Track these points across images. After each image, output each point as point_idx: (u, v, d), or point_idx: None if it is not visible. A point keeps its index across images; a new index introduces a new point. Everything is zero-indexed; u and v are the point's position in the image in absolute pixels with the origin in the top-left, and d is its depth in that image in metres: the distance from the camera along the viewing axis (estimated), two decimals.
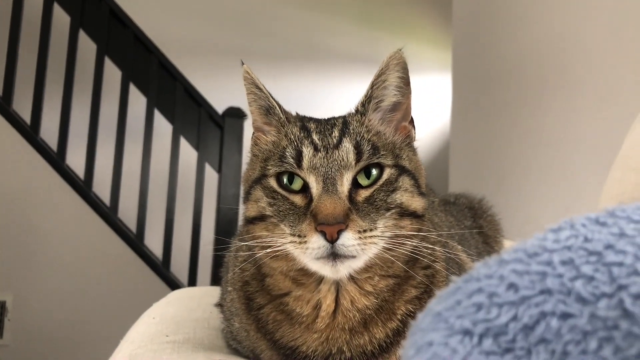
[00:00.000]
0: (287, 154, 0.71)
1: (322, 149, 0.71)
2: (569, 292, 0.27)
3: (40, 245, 3.34)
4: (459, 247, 0.99)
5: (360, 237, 0.66)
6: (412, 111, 0.79)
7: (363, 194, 0.70)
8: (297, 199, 0.71)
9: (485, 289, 0.29)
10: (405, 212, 0.71)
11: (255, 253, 0.74)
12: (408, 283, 0.75)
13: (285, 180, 0.72)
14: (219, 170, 3.48)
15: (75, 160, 3.39)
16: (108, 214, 3.40)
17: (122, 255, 3.46)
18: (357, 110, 0.77)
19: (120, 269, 3.50)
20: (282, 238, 0.69)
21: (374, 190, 0.70)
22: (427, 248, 0.73)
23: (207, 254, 3.65)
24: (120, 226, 3.45)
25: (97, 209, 3.40)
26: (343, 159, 0.70)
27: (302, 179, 0.70)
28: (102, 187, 3.43)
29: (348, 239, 0.65)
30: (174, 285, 3.57)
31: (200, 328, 0.96)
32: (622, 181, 1.53)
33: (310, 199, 0.69)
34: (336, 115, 0.80)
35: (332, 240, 0.65)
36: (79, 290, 3.41)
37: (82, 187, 3.35)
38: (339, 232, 0.65)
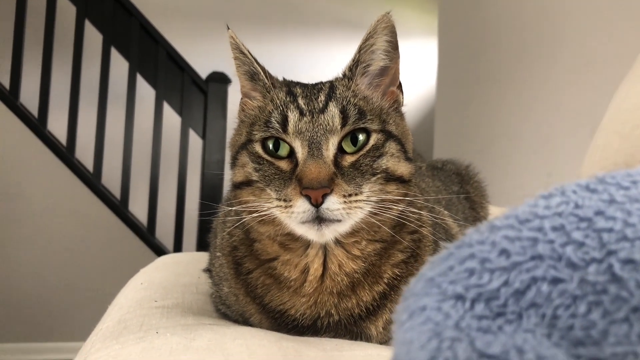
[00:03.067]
0: (272, 119, 0.71)
1: (307, 114, 0.70)
2: (560, 258, 0.28)
3: (24, 212, 3.32)
4: (446, 212, 1.00)
5: (345, 202, 0.66)
6: (400, 76, 0.79)
7: (349, 159, 0.70)
8: (283, 164, 0.71)
9: (477, 255, 0.29)
10: (391, 177, 0.72)
11: (243, 218, 0.74)
12: (395, 247, 0.76)
13: (270, 145, 0.71)
14: (203, 136, 3.45)
15: (57, 126, 3.34)
16: (91, 180, 3.37)
17: (107, 221, 3.45)
18: (344, 75, 0.77)
19: (105, 235, 3.49)
20: (269, 203, 0.69)
21: (360, 156, 0.70)
22: (413, 213, 0.74)
23: (192, 220, 3.65)
24: (104, 192, 3.42)
25: (81, 176, 3.37)
26: (329, 124, 0.70)
27: (288, 143, 0.70)
28: (84, 154, 3.39)
29: (333, 203, 0.66)
30: (159, 251, 3.57)
31: (189, 293, 0.97)
32: (606, 147, 1.54)
33: (295, 164, 0.69)
34: (322, 79, 0.79)
35: (317, 205, 0.65)
36: (63, 256, 3.40)
37: (65, 153, 3.32)
38: (324, 196, 0.65)
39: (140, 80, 3.38)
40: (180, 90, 3.42)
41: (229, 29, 0.77)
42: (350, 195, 0.67)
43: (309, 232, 0.68)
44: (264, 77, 0.77)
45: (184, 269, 1.18)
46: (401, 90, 0.79)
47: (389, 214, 0.71)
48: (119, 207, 3.45)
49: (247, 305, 0.79)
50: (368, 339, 0.76)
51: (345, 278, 0.74)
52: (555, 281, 0.27)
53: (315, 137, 0.68)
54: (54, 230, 3.37)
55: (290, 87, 0.76)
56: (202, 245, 3.38)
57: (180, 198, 3.50)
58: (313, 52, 4.65)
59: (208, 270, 0.96)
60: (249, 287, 0.78)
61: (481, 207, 1.22)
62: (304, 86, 0.76)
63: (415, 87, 4.56)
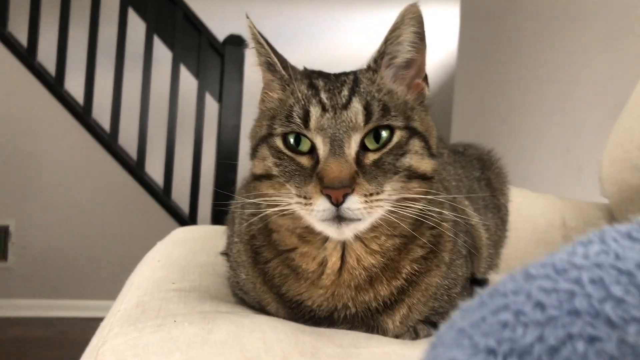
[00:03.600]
0: (294, 113, 0.69)
1: (330, 109, 0.68)
2: (597, 314, 0.27)
3: (41, 172, 3.35)
4: (466, 202, 0.99)
5: (366, 201, 0.65)
6: (425, 67, 0.77)
7: (371, 156, 0.68)
8: (304, 160, 0.69)
9: (511, 306, 0.28)
10: (414, 175, 0.70)
11: (263, 210, 0.74)
12: (414, 242, 0.75)
13: (291, 140, 0.70)
14: (220, 100, 3.43)
15: (74, 86, 3.33)
16: (108, 141, 3.39)
17: (123, 183, 3.48)
18: (368, 67, 0.74)
19: (121, 197, 3.52)
20: (289, 198, 0.69)
21: (383, 154, 0.69)
22: (434, 211, 0.73)
23: (208, 184, 3.67)
24: (120, 154, 3.44)
25: (97, 137, 3.38)
26: (352, 120, 0.68)
27: (309, 139, 0.69)
28: (101, 115, 3.39)
29: (354, 203, 0.65)
30: (175, 214, 3.61)
31: (206, 275, 0.97)
32: (631, 130, 1.51)
33: (317, 160, 0.68)
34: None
35: (337, 204, 0.64)
36: (80, 216, 3.45)
37: (81, 113, 3.32)
38: (345, 196, 0.64)
39: (157, 42, 3.35)
40: (197, 53, 3.39)
41: (248, 17, 0.75)
42: (371, 194, 0.66)
43: (328, 230, 0.68)
44: (281, 69, 0.75)
45: (200, 245, 1.18)
46: (427, 83, 0.77)
47: (409, 212, 0.70)
48: (135, 168, 3.48)
49: (264, 294, 0.79)
50: (384, 332, 0.76)
51: (363, 272, 0.74)
52: (592, 340, 0.26)
53: (337, 134, 0.67)
54: (70, 190, 3.41)
55: (311, 78, 0.74)
56: (218, 214, 3.42)
57: (196, 161, 3.52)
58: (333, 15, 4.55)
59: (226, 254, 0.96)
60: (266, 277, 0.78)
61: (502, 194, 1.20)
62: (326, 78, 0.74)
63: (435, 53, 4.47)
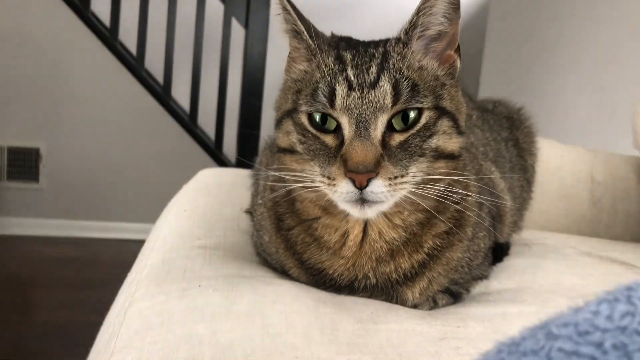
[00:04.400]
0: (319, 91, 0.67)
1: (357, 88, 0.66)
2: None
3: (70, 95, 3.37)
4: (493, 168, 0.98)
5: (390, 184, 0.65)
6: (458, 38, 0.73)
7: (397, 138, 0.67)
8: (329, 139, 0.68)
9: None
10: (440, 155, 0.69)
11: (287, 183, 0.73)
12: (437, 218, 0.74)
13: (317, 118, 0.68)
14: (246, 26, 3.36)
15: (101, 7, 3.29)
16: (134, 65, 3.37)
17: (149, 107, 3.49)
18: (399, 39, 0.71)
19: (147, 121, 3.55)
20: (312, 175, 0.68)
21: (410, 135, 0.67)
22: (457, 189, 0.72)
23: (233, 111, 3.67)
24: (147, 78, 3.44)
25: (124, 60, 3.37)
26: (379, 101, 0.65)
27: (335, 119, 0.67)
28: (128, 38, 3.36)
29: (377, 187, 0.64)
30: (200, 140, 3.63)
31: (231, 231, 0.99)
32: None
33: (342, 141, 0.66)
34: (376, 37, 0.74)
35: (361, 187, 0.64)
36: (107, 140, 3.50)
37: (108, 36, 3.29)
38: (369, 180, 0.63)
39: None
40: None
41: None
42: (395, 177, 0.65)
43: (351, 210, 0.68)
44: (307, 37, 0.71)
45: (226, 195, 1.19)
46: (459, 54, 0.73)
47: (432, 192, 0.69)
48: (161, 93, 3.48)
49: (286, 259, 0.80)
50: (403, 302, 0.77)
51: (384, 245, 0.74)
52: None
53: (363, 115, 0.65)
54: (98, 114, 3.44)
55: (339, 49, 0.71)
56: (243, 143, 3.44)
57: (222, 87, 3.50)
58: None
59: (249, 212, 0.97)
60: (289, 243, 0.79)
61: (529, 155, 1.18)
62: (354, 49, 0.70)
63: None
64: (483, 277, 0.89)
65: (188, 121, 3.62)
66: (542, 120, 2.98)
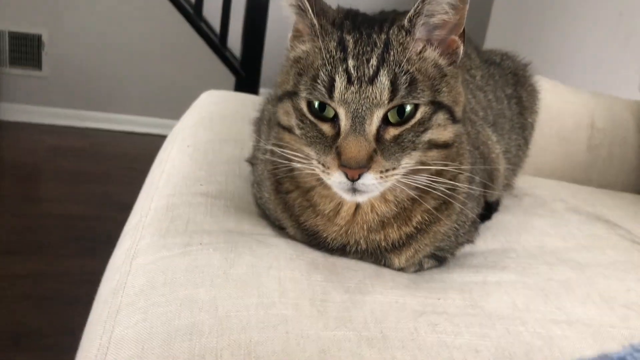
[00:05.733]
0: (319, 80, 0.67)
1: (355, 82, 0.66)
2: None
3: None
4: (490, 132, 0.99)
5: (381, 177, 0.67)
6: (464, 22, 0.72)
7: (392, 131, 0.68)
8: (326, 128, 0.69)
9: None
10: (433, 146, 0.71)
11: (287, 155, 0.75)
12: (429, 194, 0.77)
13: (316, 105, 0.69)
14: None
15: None
16: None
17: None
18: (402, 26, 0.69)
19: (152, 12, 3.47)
20: (309, 157, 0.71)
21: (404, 130, 0.68)
22: (448, 174, 0.75)
23: (239, 4, 3.58)
24: None
25: None
26: (376, 97, 0.66)
27: (333, 108, 0.68)
28: None
29: (369, 179, 0.67)
30: (204, 34, 3.55)
31: (232, 176, 1.02)
32: None
33: (338, 131, 0.68)
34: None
35: (353, 180, 0.67)
36: (112, 30, 3.44)
37: None
38: (361, 174, 0.66)
39: None
40: None
41: None
42: (387, 170, 0.67)
43: (343, 195, 0.71)
44: (313, 16, 0.70)
45: (227, 130, 1.21)
46: (463, 40, 0.72)
47: (421, 181, 0.72)
48: None
49: (284, 218, 0.84)
50: (390, 266, 0.83)
51: (376, 217, 0.78)
52: None
53: (360, 110, 0.65)
54: (101, 2, 3.35)
55: (342, 31, 0.69)
56: (247, 45, 3.38)
57: None
58: None
59: (250, 162, 1.00)
60: (287, 205, 0.83)
61: (530, 112, 1.18)
62: (358, 31, 0.69)
63: None
64: (469, 241, 0.94)
65: (193, 14, 3.54)
66: (555, 46, 2.92)
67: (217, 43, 3.62)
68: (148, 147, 3.50)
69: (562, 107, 1.54)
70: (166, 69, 3.57)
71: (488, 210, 1.04)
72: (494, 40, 3.56)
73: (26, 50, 3.33)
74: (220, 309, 0.66)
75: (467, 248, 0.96)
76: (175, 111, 3.66)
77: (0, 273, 2.05)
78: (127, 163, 3.20)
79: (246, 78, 3.68)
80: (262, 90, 3.83)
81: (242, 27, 3.61)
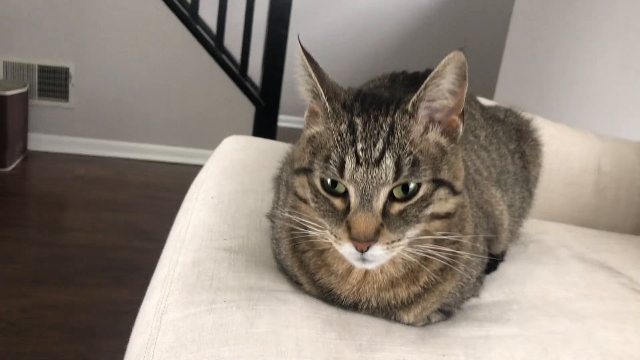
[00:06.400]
0: (331, 160, 0.74)
1: (363, 163, 0.73)
2: None
3: (99, 17, 3.42)
4: (494, 190, 1.06)
5: (387, 248, 0.74)
6: (463, 104, 0.78)
7: (397, 207, 0.74)
8: (337, 202, 0.76)
9: None
10: (435, 217, 0.77)
11: (303, 223, 0.82)
12: (435, 257, 0.84)
13: (328, 182, 0.76)
14: None
15: None
16: None
17: (175, 30, 3.52)
18: (405, 110, 0.77)
19: (174, 44, 3.59)
20: (322, 228, 0.78)
21: (408, 205, 0.74)
22: (451, 239, 0.82)
23: (259, 35, 3.68)
24: (174, 1, 3.46)
25: None
26: (382, 177, 0.72)
27: (344, 185, 0.75)
28: None
29: (376, 250, 0.73)
30: (224, 65, 3.67)
31: (253, 230, 1.09)
32: None
33: (348, 206, 0.75)
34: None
35: (362, 251, 0.74)
36: (137, 62, 3.57)
37: None
38: (369, 247, 0.73)
39: None
40: None
41: (299, 42, 0.77)
42: (393, 241, 0.74)
43: (354, 263, 0.78)
44: (325, 100, 0.78)
45: (249, 180, 1.29)
46: (463, 120, 0.79)
47: (425, 249, 0.78)
48: (188, 17, 3.50)
49: (300, 275, 0.92)
50: (399, 321, 0.89)
51: (385, 277, 0.85)
52: None
53: (367, 188, 0.72)
54: (127, 35, 3.49)
55: (352, 114, 0.77)
56: (267, 70, 3.47)
57: (249, 11, 3.54)
58: None
59: (270, 219, 1.08)
60: (302, 264, 0.90)
61: (534, 166, 1.25)
62: (366, 114, 0.76)
63: None
64: (475, 296, 1.00)
65: (214, 45, 3.66)
66: (566, 78, 2.97)
67: (237, 73, 3.74)
68: (170, 175, 3.63)
69: (568, 152, 1.60)
70: (188, 99, 3.69)
71: (494, 261, 1.10)
72: (504, 88, 3.63)
73: (54, 82, 3.48)
74: None
75: (474, 300, 1.02)
76: (197, 140, 3.80)
77: (29, 303, 2.15)
78: (150, 192, 3.31)
79: (266, 107, 3.79)
80: (281, 117, 3.92)
81: (262, 58, 3.72)
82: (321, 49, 4.66)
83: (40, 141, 3.49)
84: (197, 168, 1.50)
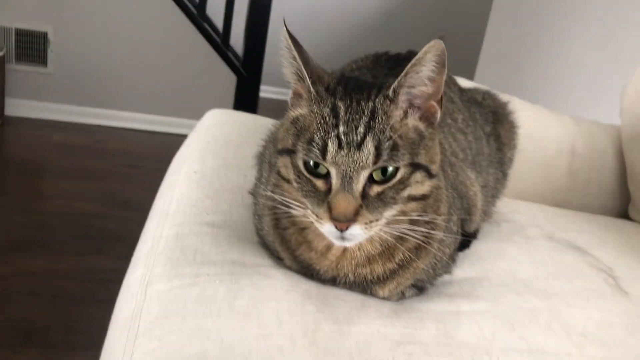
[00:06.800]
0: (314, 144, 0.76)
1: (345, 146, 0.75)
2: None
3: None
4: (469, 171, 1.10)
5: (366, 227, 0.77)
6: (442, 90, 0.81)
7: (375, 189, 0.77)
8: (319, 184, 0.78)
9: None
10: (412, 199, 0.81)
11: (285, 200, 0.86)
12: (407, 239, 0.88)
13: (311, 163, 0.78)
14: None
15: None
16: None
17: None
18: (386, 96, 0.79)
19: (155, 11, 3.55)
20: (304, 207, 0.81)
21: (386, 188, 0.77)
22: (426, 219, 0.85)
23: (242, 5, 3.65)
24: None
25: None
26: (362, 161, 0.75)
27: (326, 167, 0.78)
28: None
29: (355, 230, 0.77)
30: (207, 34, 3.64)
31: (236, 205, 1.12)
32: None
33: (329, 187, 0.77)
34: None
35: (342, 230, 0.77)
36: (117, 28, 3.52)
37: None
38: (348, 227, 0.76)
39: None
40: None
41: (285, 24, 0.79)
42: (371, 221, 0.78)
43: (334, 241, 0.81)
44: (309, 83, 0.80)
45: (232, 156, 1.31)
46: (440, 106, 0.82)
47: (401, 229, 0.82)
48: None
49: (281, 251, 0.95)
50: (375, 295, 0.94)
51: (363, 254, 0.89)
52: None
53: (348, 171, 0.75)
54: (106, 1, 3.44)
55: (335, 98, 0.79)
56: (249, 46, 3.45)
57: None
58: None
59: (252, 195, 1.10)
60: (284, 239, 0.93)
61: (509, 148, 1.29)
62: (348, 98, 0.79)
63: None
64: (447, 273, 1.04)
65: (196, 13, 3.62)
66: (544, 60, 3.01)
67: (219, 43, 3.71)
68: (150, 144, 3.62)
69: (544, 134, 1.64)
70: (169, 68, 3.66)
71: (467, 240, 1.15)
72: (485, 68, 3.66)
73: (32, 47, 3.42)
74: (225, 339, 0.77)
75: (446, 277, 1.06)
76: (177, 109, 3.79)
77: (9, 270, 2.16)
78: (130, 160, 3.30)
79: (248, 77, 3.78)
80: (263, 87, 3.92)
81: (244, 27, 3.70)
82: (303, 23, 4.64)
83: (18, 107, 3.45)
84: (177, 137, 1.51)
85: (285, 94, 0.89)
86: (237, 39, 3.72)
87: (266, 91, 4.41)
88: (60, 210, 2.61)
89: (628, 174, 1.64)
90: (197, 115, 1.73)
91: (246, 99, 3.77)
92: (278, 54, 0.82)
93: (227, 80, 3.72)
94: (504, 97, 1.35)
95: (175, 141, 1.46)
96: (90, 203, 2.74)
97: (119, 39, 3.52)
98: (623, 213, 1.71)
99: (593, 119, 1.86)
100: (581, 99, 2.73)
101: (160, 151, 3.37)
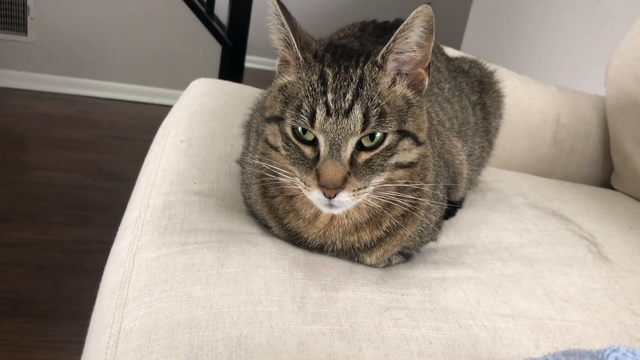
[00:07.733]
0: (302, 110, 0.76)
1: (333, 114, 0.75)
2: None
3: None
4: (455, 140, 1.10)
5: (354, 194, 0.78)
6: (430, 58, 0.81)
7: (363, 156, 0.78)
8: (308, 150, 0.79)
9: None
10: (399, 166, 0.81)
11: (272, 167, 0.86)
12: (398, 203, 0.89)
13: (299, 129, 0.78)
14: None
15: None
16: None
17: None
18: (375, 62, 0.79)
19: None
20: (292, 175, 0.81)
21: (374, 155, 0.78)
22: (413, 186, 0.86)
23: None
24: None
25: None
26: (350, 128, 0.75)
27: (314, 134, 0.78)
28: None
29: (343, 197, 0.77)
30: (192, 4, 3.58)
31: (223, 175, 1.12)
32: None
33: (317, 155, 0.78)
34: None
35: (330, 197, 0.77)
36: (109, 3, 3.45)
37: None
38: (337, 193, 0.77)
39: None
40: None
41: None
42: (359, 188, 0.78)
43: (322, 208, 0.82)
44: (297, 50, 0.79)
45: (219, 125, 1.30)
46: (428, 73, 0.82)
47: (389, 196, 0.83)
48: None
49: (269, 219, 0.95)
50: (362, 262, 0.95)
51: (350, 222, 0.89)
52: None
53: (337, 138, 0.75)
54: None
55: (323, 65, 0.79)
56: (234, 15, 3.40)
57: None
58: None
59: (240, 164, 1.10)
60: (272, 208, 0.94)
61: (494, 117, 1.29)
62: (337, 65, 0.78)
63: None
64: (433, 240, 1.06)
65: None
66: (532, 29, 3.01)
67: (203, 11, 3.66)
68: (134, 115, 3.58)
69: (530, 103, 1.65)
70: (153, 37, 3.60)
71: (453, 208, 1.16)
72: (472, 37, 3.64)
73: (11, 14, 3.34)
74: (215, 306, 0.77)
75: (432, 244, 1.08)
76: (161, 79, 3.73)
77: None
78: (114, 131, 3.27)
79: (233, 47, 3.74)
80: (248, 57, 3.87)
81: None
82: None
83: None
84: (162, 108, 1.50)
85: (271, 64, 0.88)
86: (222, 8, 3.67)
87: (252, 61, 4.36)
88: (44, 182, 2.59)
89: (611, 144, 1.66)
90: (182, 85, 1.71)
91: (232, 69, 3.73)
92: (263, 23, 0.82)
93: (212, 49, 3.67)
94: (490, 66, 1.35)
95: (160, 112, 1.44)
96: (75, 174, 2.71)
97: (101, 7, 3.45)
98: (606, 182, 1.73)
99: (580, 88, 1.87)
100: (568, 68, 2.74)
101: (144, 122, 3.35)
